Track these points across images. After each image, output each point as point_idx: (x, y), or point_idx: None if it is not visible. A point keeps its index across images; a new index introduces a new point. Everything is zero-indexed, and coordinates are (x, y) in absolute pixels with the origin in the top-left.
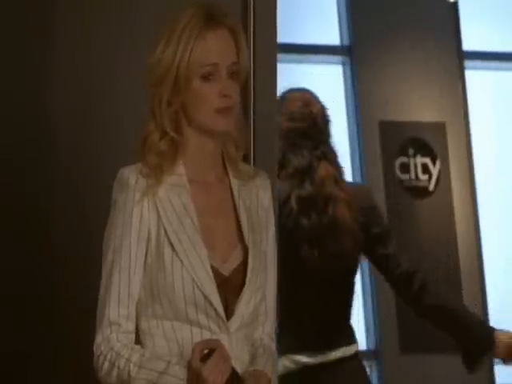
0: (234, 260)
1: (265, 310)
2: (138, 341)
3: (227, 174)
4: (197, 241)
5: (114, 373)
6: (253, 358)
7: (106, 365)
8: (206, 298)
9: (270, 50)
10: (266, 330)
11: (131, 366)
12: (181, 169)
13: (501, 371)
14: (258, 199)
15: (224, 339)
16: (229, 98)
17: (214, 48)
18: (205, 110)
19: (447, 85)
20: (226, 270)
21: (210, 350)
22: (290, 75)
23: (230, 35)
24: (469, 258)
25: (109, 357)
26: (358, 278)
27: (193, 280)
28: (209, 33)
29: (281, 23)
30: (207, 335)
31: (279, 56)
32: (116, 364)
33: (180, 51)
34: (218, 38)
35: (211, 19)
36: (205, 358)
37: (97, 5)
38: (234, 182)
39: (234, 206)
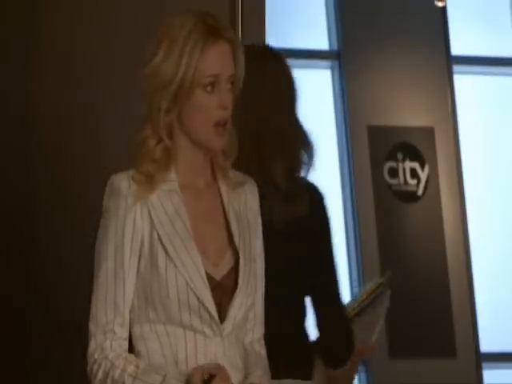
0: (226, 265)
1: (253, 315)
2: (130, 346)
3: (216, 178)
4: (190, 245)
5: (109, 382)
6: (246, 367)
7: (100, 374)
8: (200, 301)
9: None
10: (256, 335)
11: (126, 376)
12: (173, 175)
13: (489, 373)
14: (246, 204)
15: (217, 343)
16: (227, 111)
17: (216, 60)
18: (203, 123)
19: (436, 89)
20: (218, 274)
21: (210, 376)
22: None
23: (229, 48)
24: (457, 262)
25: (103, 366)
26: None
27: (187, 284)
28: (211, 46)
29: (269, 28)
30: (200, 339)
31: None
32: (110, 374)
33: (184, 62)
34: (219, 51)
35: (214, 32)
36: (205, 383)
37: (83, 5)
38: (223, 187)
39: (224, 211)
